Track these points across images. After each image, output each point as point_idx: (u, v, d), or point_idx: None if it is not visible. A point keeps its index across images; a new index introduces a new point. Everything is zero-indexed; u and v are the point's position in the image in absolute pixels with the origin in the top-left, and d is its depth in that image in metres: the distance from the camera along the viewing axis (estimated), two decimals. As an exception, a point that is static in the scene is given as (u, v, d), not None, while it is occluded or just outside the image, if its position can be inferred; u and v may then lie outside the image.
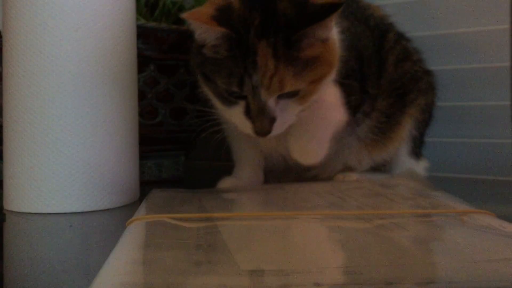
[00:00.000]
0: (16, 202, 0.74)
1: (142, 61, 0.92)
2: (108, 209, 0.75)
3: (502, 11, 1.03)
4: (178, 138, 1.05)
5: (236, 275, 0.39)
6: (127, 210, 0.76)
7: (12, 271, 0.52)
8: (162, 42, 0.97)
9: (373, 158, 0.89)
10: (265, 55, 0.64)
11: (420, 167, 0.92)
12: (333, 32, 0.71)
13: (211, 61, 0.67)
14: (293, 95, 0.67)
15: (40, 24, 0.72)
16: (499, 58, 1.04)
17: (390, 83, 0.88)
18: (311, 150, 0.76)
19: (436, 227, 0.54)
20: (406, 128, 0.90)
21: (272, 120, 0.66)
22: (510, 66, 1.02)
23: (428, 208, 0.61)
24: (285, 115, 0.68)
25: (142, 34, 0.91)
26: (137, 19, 0.87)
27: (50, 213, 0.72)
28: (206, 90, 0.73)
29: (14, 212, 0.74)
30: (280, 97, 0.66)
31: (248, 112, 0.67)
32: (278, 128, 0.67)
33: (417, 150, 0.92)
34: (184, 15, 0.65)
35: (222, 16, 0.65)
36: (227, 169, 0.87)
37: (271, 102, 0.66)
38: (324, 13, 0.63)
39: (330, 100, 0.77)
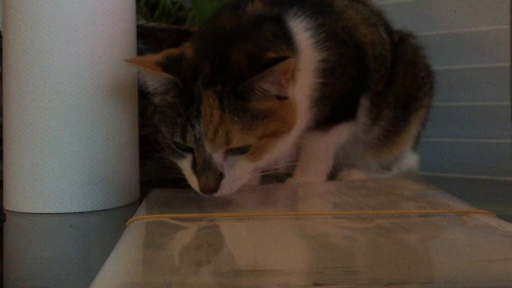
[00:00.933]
0: (16, 202, 0.74)
1: (142, 61, 0.92)
2: (108, 209, 0.75)
3: (502, 11, 1.03)
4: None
5: (236, 275, 0.39)
6: (127, 210, 0.76)
7: (12, 271, 0.52)
8: (162, 42, 0.97)
9: (380, 162, 0.91)
10: (210, 104, 0.60)
11: (416, 159, 0.95)
12: (296, 92, 0.68)
13: (159, 110, 0.65)
14: (243, 150, 0.62)
15: (40, 24, 0.72)
16: (499, 58, 1.04)
17: (396, 96, 0.88)
18: (314, 179, 0.81)
19: (437, 227, 0.54)
20: (413, 131, 0.92)
21: (220, 176, 0.62)
22: (510, 66, 1.02)
23: (429, 208, 0.61)
24: (235, 172, 0.63)
25: (142, 34, 0.91)
26: (137, 19, 0.87)
27: (50, 213, 0.72)
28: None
29: (14, 212, 0.74)
30: (229, 152, 0.62)
31: (194, 166, 0.63)
32: (226, 186, 0.62)
33: (416, 145, 0.95)
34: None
35: (169, 63, 0.63)
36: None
37: (217, 156, 0.61)
38: (267, 64, 0.60)
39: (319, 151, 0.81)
